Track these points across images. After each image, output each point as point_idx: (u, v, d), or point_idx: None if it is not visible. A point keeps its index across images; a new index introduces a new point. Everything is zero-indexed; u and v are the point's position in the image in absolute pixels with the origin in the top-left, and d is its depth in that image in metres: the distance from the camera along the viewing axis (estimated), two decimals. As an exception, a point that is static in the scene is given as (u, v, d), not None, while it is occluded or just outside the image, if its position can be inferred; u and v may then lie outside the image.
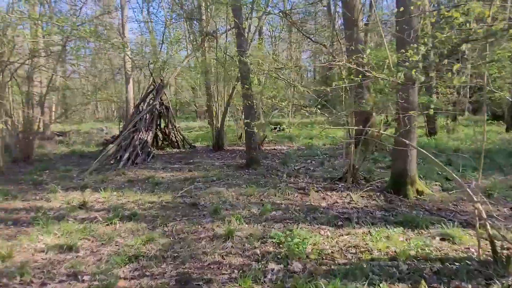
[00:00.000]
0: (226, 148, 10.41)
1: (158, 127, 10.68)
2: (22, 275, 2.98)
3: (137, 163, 8.20)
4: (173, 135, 10.78)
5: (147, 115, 9.48)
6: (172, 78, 10.32)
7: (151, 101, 9.80)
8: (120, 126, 11.17)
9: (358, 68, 3.44)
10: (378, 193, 5.18)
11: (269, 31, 21.79)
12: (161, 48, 12.11)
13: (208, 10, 10.78)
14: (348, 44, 6.63)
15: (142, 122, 9.22)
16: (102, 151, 8.77)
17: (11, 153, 9.29)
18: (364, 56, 3.42)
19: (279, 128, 14.67)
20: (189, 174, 7.09)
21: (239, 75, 9.48)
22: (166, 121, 10.54)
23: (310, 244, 3.41)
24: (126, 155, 8.21)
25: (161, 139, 10.94)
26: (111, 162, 8.29)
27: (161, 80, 10.08)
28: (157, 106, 9.72)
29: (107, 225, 4.26)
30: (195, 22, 11.12)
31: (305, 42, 19.45)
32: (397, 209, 4.50)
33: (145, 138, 8.87)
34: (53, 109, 20.24)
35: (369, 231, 3.76)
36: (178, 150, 10.64)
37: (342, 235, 3.71)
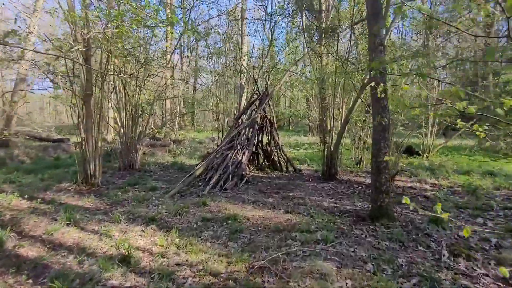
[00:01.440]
0: (339, 177, 7.88)
1: (260, 144, 9.05)
2: None
3: (226, 188, 6.60)
4: (275, 154, 8.93)
5: (247, 129, 7.91)
6: (279, 86, 8.40)
7: (253, 112, 8.23)
8: (220, 138, 10.05)
9: None
10: None
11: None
12: (268, 51, 10.58)
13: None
14: None
15: (240, 138, 7.69)
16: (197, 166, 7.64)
17: (123, 161, 9.23)
18: None
19: (414, 152, 11.06)
20: (285, 219, 4.94)
21: (361, 84, 6.95)
22: (269, 137, 8.78)
23: None
24: (215, 177, 6.74)
25: (262, 157, 9.25)
26: (199, 183, 6.97)
27: (266, 88, 8.41)
28: (259, 120, 8.06)
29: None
30: (310, 15, 9.00)
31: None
32: None
33: (240, 158, 7.25)
34: (177, 118, 21.80)
35: None
36: (280, 173, 8.72)
37: None
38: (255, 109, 8.25)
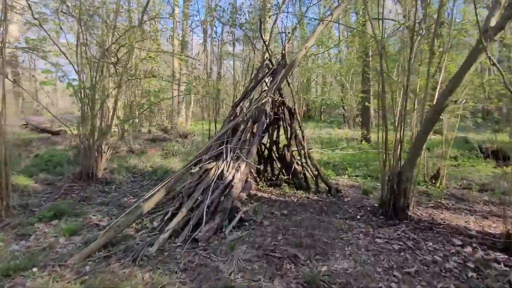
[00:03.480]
0: (413, 212, 4.32)
1: (274, 145, 5.70)
2: None
3: (197, 239, 3.37)
4: (298, 163, 5.53)
5: (248, 124, 4.58)
6: (307, 48, 4.88)
7: (263, 95, 4.84)
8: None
9: None
10: None
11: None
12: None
13: None
14: None
15: (234, 140, 4.39)
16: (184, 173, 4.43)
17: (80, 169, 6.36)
18: None
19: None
20: None
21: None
22: (289, 136, 5.37)
23: None
24: (176, 219, 3.53)
25: (278, 167, 5.90)
26: (152, 223, 3.81)
27: (283, 55, 4.95)
28: (268, 107, 4.68)
29: None
30: None
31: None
32: None
33: (230, 177, 3.95)
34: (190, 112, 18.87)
35: None
36: (304, 195, 5.33)
37: None
38: (265, 91, 4.88)
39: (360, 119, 20.55)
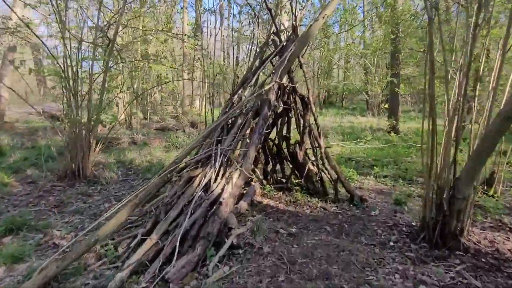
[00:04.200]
0: (467, 239, 3.18)
1: (284, 141, 4.65)
2: None
3: (167, 279, 2.46)
4: (313, 163, 4.45)
5: (247, 117, 3.54)
6: (321, 24, 3.69)
7: (268, 80, 3.74)
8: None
9: None
10: None
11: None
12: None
13: None
14: None
15: (227, 139, 3.38)
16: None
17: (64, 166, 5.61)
18: None
19: None
20: None
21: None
22: (302, 131, 4.29)
23: None
24: (143, 248, 2.62)
25: (290, 167, 4.85)
26: (116, 249, 2.93)
27: (294, 28, 3.79)
28: (273, 95, 3.59)
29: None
30: None
31: None
32: None
33: (219, 189, 2.97)
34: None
35: None
36: (319, 203, 4.29)
37: None
38: (272, 74, 3.79)
39: (386, 106, 18.93)
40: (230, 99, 3.81)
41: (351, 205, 4.22)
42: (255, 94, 3.44)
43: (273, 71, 3.76)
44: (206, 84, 10.92)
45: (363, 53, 18.62)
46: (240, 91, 3.81)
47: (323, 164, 4.31)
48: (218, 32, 12.03)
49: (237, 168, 3.01)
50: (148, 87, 9.70)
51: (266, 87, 3.42)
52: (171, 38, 10.42)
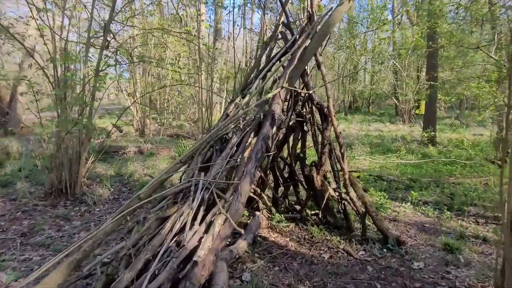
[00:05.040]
0: None
1: (297, 161, 3.71)
2: None
3: None
4: (334, 190, 3.47)
5: (243, 135, 2.64)
6: (346, 9, 2.72)
7: (276, 85, 2.83)
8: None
9: None
10: None
11: None
12: None
13: None
14: None
15: (214, 168, 2.49)
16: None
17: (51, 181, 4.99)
18: None
19: None
20: None
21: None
22: (320, 148, 3.34)
23: None
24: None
25: (306, 193, 3.89)
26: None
27: (310, 16, 2.85)
28: (278, 105, 2.65)
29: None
30: None
31: None
32: None
33: (192, 241, 2.08)
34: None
35: None
36: (343, 246, 3.29)
37: None
38: (279, 78, 2.88)
39: (418, 112, 17.31)
40: (226, 110, 2.94)
41: (384, 250, 3.18)
42: (253, 105, 2.54)
43: (284, 69, 2.84)
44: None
45: (393, 55, 17.21)
46: (239, 99, 2.93)
47: (347, 192, 3.31)
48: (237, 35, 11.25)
49: (220, 213, 2.12)
50: (152, 89, 8.99)
51: (270, 95, 2.51)
52: (188, 42, 9.76)
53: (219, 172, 2.35)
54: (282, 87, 2.54)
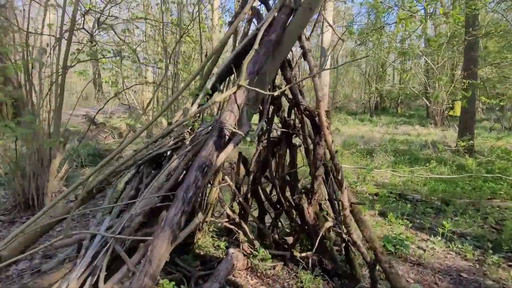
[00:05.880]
0: None
1: (288, 189, 2.81)
2: None
3: None
4: (334, 226, 2.54)
5: (184, 155, 1.81)
6: None
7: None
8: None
9: None
10: None
11: None
12: None
13: None
14: None
15: (131, 214, 1.66)
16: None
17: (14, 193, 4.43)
18: None
19: None
20: None
21: None
22: (313, 171, 2.42)
23: None
24: None
25: (297, 223, 2.98)
26: None
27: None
28: (230, 119, 1.77)
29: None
30: None
31: None
32: None
33: None
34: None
35: None
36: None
37: None
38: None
39: (452, 113, 15.57)
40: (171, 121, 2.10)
41: (401, 321, 2.21)
42: (191, 113, 1.68)
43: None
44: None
45: (424, 51, 15.60)
46: (190, 105, 2.08)
47: (348, 233, 2.37)
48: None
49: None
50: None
51: (218, 98, 1.64)
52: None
53: (133, 217, 1.52)
54: (239, 87, 1.67)
